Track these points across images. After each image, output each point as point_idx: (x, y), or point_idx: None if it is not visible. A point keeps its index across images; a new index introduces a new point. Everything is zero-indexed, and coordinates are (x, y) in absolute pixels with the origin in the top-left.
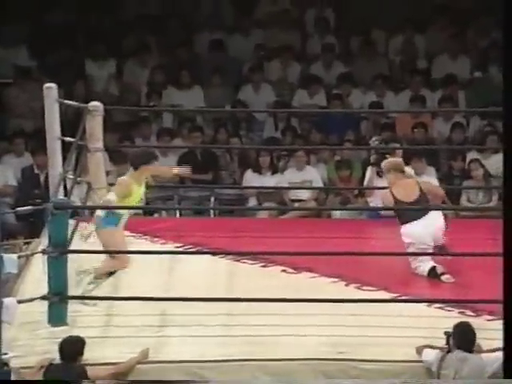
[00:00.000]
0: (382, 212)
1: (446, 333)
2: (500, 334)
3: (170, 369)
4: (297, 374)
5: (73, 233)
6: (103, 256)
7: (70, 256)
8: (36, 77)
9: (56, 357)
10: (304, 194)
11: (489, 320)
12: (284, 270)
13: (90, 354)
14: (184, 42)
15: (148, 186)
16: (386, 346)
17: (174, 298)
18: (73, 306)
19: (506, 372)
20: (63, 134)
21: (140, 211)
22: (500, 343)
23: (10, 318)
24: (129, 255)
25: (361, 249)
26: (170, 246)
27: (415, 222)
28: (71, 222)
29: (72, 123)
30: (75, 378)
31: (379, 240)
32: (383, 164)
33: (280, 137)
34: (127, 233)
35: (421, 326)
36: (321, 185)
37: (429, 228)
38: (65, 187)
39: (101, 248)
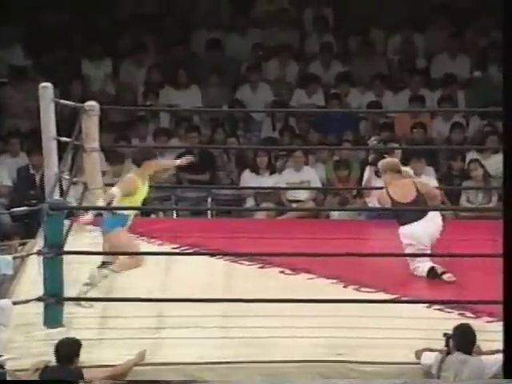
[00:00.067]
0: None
1: (445, 334)
2: (500, 336)
3: (167, 371)
4: (295, 376)
5: (67, 233)
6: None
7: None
8: (31, 76)
9: (52, 359)
10: (302, 195)
11: (488, 322)
12: (282, 272)
13: (86, 356)
14: (181, 41)
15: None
16: (385, 348)
17: (171, 299)
18: (69, 308)
19: (506, 373)
20: (59, 133)
21: (138, 211)
22: (500, 345)
23: (5, 319)
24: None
25: (359, 250)
26: (166, 247)
27: (415, 223)
28: (67, 222)
29: (68, 123)
30: (71, 380)
31: (378, 241)
32: (379, 164)
33: (278, 137)
34: None
35: (420, 328)
36: (319, 185)
37: (428, 229)
38: (60, 188)
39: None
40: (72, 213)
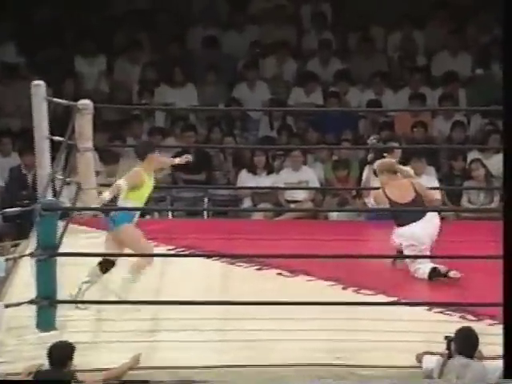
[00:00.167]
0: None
1: (446, 337)
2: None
3: (162, 375)
4: (293, 379)
5: (62, 235)
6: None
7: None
8: (24, 74)
9: (45, 363)
10: (300, 195)
11: (490, 325)
12: (280, 273)
13: (79, 360)
14: (176, 38)
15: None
16: (385, 351)
17: (167, 302)
18: (62, 311)
19: (506, 373)
20: (52, 133)
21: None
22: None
23: None
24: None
25: (359, 251)
26: (162, 249)
27: (413, 223)
28: (60, 223)
29: (61, 122)
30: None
31: (378, 242)
32: (376, 165)
33: (275, 136)
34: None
35: (421, 331)
36: (317, 185)
37: (427, 229)
38: (53, 188)
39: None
40: (65, 213)
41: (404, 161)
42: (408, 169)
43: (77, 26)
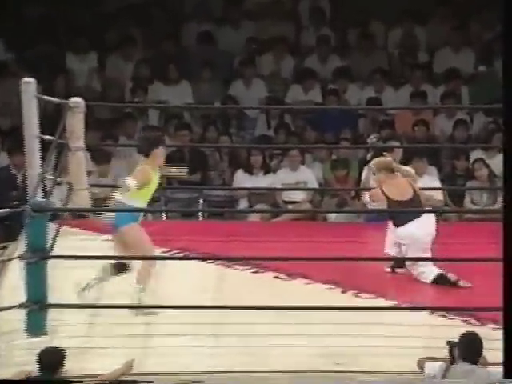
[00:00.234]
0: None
1: (449, 343)
2: None
3: (155, 381)
4: None
5: (55, 237)
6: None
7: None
8: (13, 71)
9: (34, 369)
10: (298, 196)
11: (494, 329)
12: (277, 277)
13: (70, 366)
14: (170, 34)
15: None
16: (385, 357)
17: (160, 306)
18: (53, 315)
19: (506, 372)
20: (42, 131)
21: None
22: None
23: None
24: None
25: (358, 253)
26: (156, 251)
27: (411, 222)
28: (51, 225)
29: (51, 120)
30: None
31: (378, 244)
32: (373, 163)
33: (273, 135)
34: (109, 237)
35: (422, 336)
36: (316, 185)
37: (426, 228)
38: (44, 188)
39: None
40: (56, 215)
41: (405, 160)
42: (409, 169)
43: (68, 22)
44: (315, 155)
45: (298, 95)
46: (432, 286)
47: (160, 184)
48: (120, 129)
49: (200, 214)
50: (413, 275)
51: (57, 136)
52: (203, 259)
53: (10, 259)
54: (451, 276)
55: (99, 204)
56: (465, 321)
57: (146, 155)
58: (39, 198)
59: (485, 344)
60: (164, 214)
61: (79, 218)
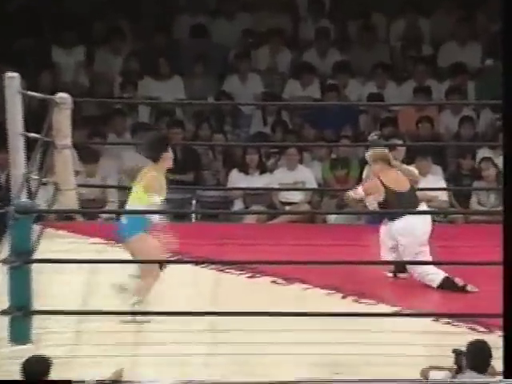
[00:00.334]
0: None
1: (455, 351)
2: None
3: None
4: None
5: (38, 239)
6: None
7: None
8: None
9: (18, 378)
10: (296, 197)
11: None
12: (274, 281)
13: (57, 376)
14: (162, 26)
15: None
16: (387, 366)
17: (151, 313)
18: (38, 322)
19: (506, 372)
20: (27, 129)
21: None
22: None
23: None
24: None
25: (359, 257)
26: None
27: (407, 216)
28: (36, 227)
29: (37, 117)
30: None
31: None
32: (369, 154)
33: (269, 132)
34: (98, 240)
35: (426, 343)
36: (315, 186)
37: (423, 222)
38: (28, 189)
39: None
40: (41, 217)
41: (408, 159)
42: (412, 168)
43: (54, 14)
44: (314, 154)
45: (295, 91)
46: (435, 291)
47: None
48: (109, 126)
49: (193, 215)
50: (413, 277)
51: (42, 134)
52: (196, 263)
53: None
54: (458, 280)
55: (87, 205)
56: (471, 328)
57: (155, 160)
58: (24, 198)
59: (493, 352)
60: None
61: (66, 219)
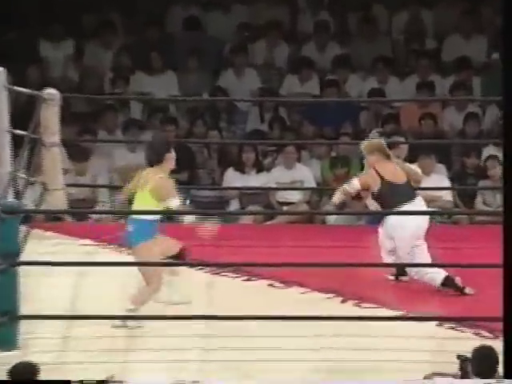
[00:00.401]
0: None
1: (459, 357)
2: None
3: None
4: None
5: (25, 241)
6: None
7: None
8: None
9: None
10: (294, 196)
11: None
12: (271, 285)
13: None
14: (154, 19)
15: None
16: (389, 373)
17: (143, 317)
18: (25, 327)
19: (506, 372)
20: (13, 126)
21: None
22: None
23: None
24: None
25: (359, 259)
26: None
27: (403, 205)
28: (23, 228)
29: (24, 113)
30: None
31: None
32: (364, 144)
33: (266, 130)
34: (88, 241)
35: (429, 349)
36: (313, 185)
37: (419, 220)
38: (15, 188)
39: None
40: (29, 217)
41: (411, 158)
42: (415, 167)
43: (42, 6)
44: (313, 152)
45: (293, 86)
46: (438, 295)
47: None
48: (99, 123)
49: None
50: (410, 275)
51: (30, 131)
52: (191, 265)
53: None
54: (458, 280)
55: (76, 205)
56: (476, 333)
57: (159, 162)
58: (10, 198)
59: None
60: None
61: (54, 220)
